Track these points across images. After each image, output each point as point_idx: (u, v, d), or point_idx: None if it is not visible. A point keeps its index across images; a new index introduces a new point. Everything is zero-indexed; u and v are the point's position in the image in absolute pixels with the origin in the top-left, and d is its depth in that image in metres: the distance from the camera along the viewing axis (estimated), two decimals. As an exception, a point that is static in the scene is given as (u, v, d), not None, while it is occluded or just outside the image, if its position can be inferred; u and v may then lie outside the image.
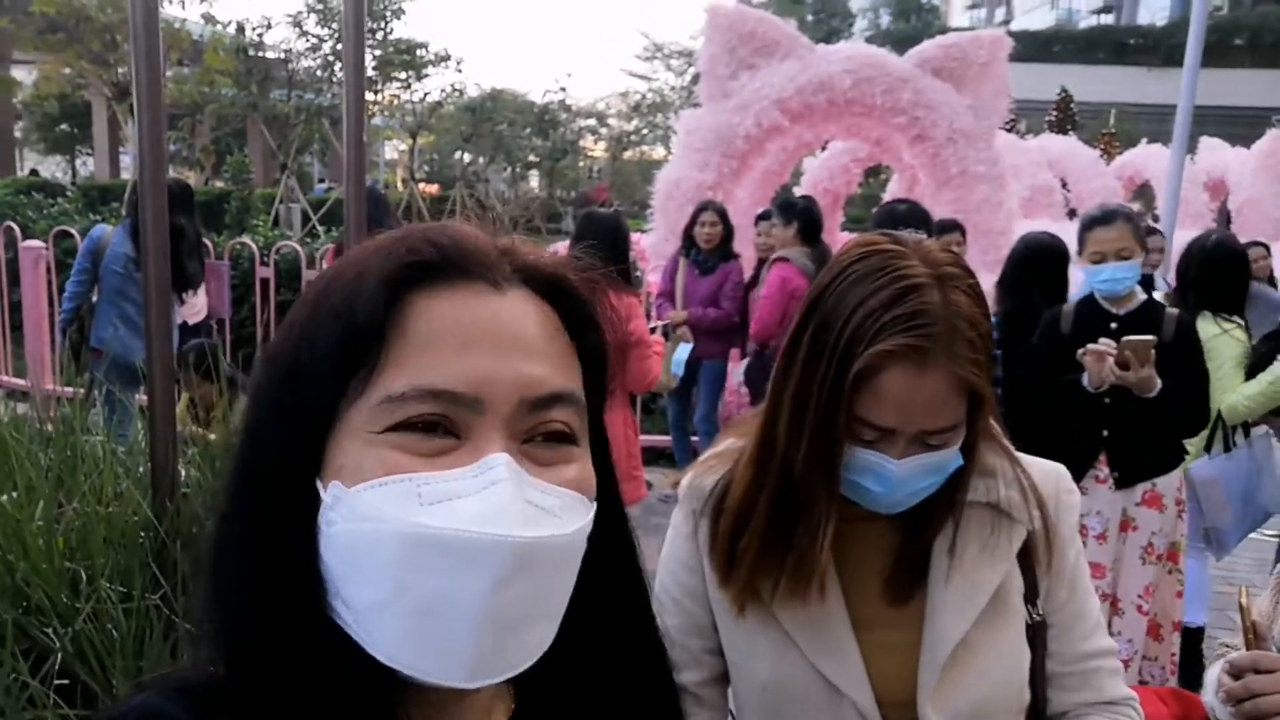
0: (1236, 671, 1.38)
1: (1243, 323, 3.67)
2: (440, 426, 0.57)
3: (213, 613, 0.61)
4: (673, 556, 1.19)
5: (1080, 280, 3.53)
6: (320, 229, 15.52)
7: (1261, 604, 1.52)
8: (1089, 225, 3.19)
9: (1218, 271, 3.67)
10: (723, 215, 5.85)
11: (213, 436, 2.63)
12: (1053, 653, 1.15)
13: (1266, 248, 6.35)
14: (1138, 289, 3.17)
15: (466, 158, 33.10)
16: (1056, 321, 3.30)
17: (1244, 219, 14.60)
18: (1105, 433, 3.09)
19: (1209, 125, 18.45)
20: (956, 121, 8.07)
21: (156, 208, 2.15)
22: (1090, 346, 2.90)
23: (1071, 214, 14.15)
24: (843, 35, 35.72)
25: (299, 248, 7.70)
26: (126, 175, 22.95)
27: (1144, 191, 16.57)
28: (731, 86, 8.33)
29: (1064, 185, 14.91)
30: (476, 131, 30.25)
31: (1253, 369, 3.56)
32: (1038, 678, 1.14)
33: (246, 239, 7.98)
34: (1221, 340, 3.54)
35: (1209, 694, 1.47)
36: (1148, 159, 16.88)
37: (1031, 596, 1.14)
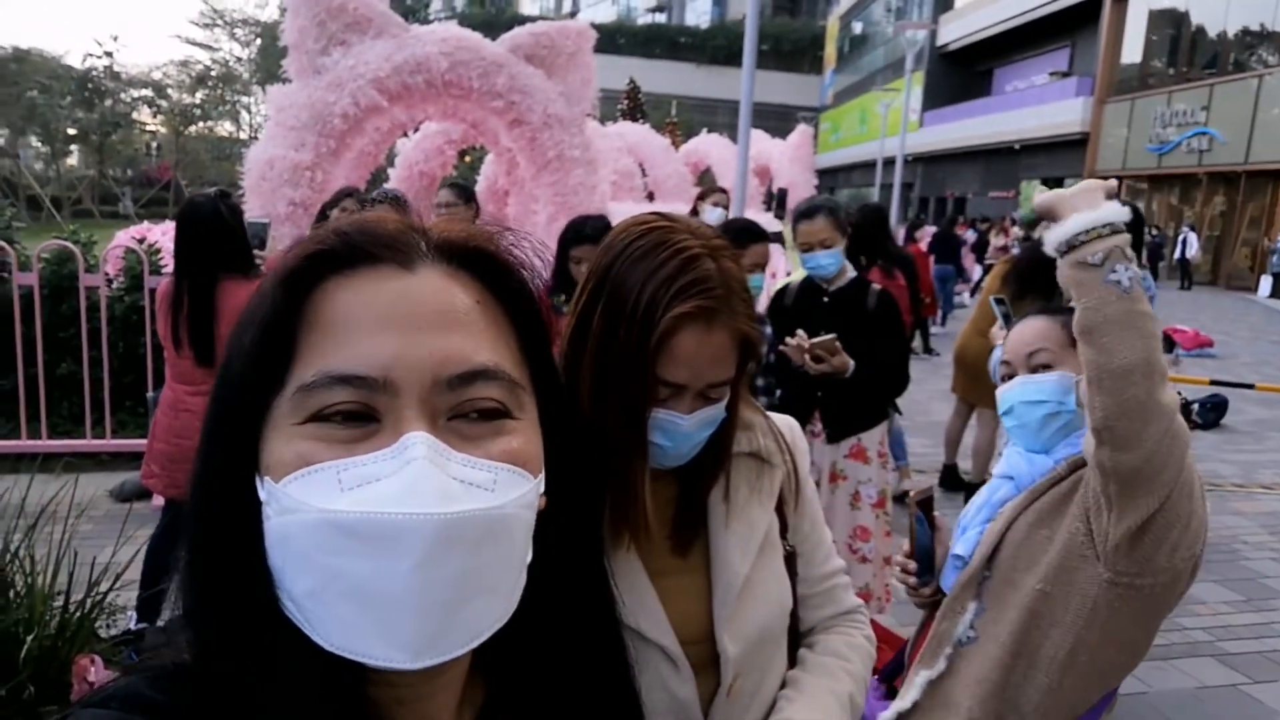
0: (901, 563, 1.90)
1: None
2: (357, 414, 0.57)
3: (182, 604, 0.60)
4: None
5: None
6: None
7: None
8: (797, 219, 3.64)
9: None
10: (466, 194, 5.36)
11: None
12: (802, 577, 1.34)
13: None
14: (848, 267, 3.64)
15: (-14, 129, 28.05)
16: (783, 295, 3.76)
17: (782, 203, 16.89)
18: (819, 394, 3.50)
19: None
20: (550, 107, 8.42)
21: None
22: (787, 341, 3.34)
23: (650, 197, 15.44)
24: (420, 15, 35.36)
25: None
26: None
27: (706, 176, 18.53)
28: (323, 63, 7.95)
29: (642, 170, 16.20)
30: (-1, 99, 25.79)
31: None
32: (793, 601, 1.31)
33: None
34: None
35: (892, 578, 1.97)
36: (709, 147, 18.94)
37: (784, 531, 1.31)
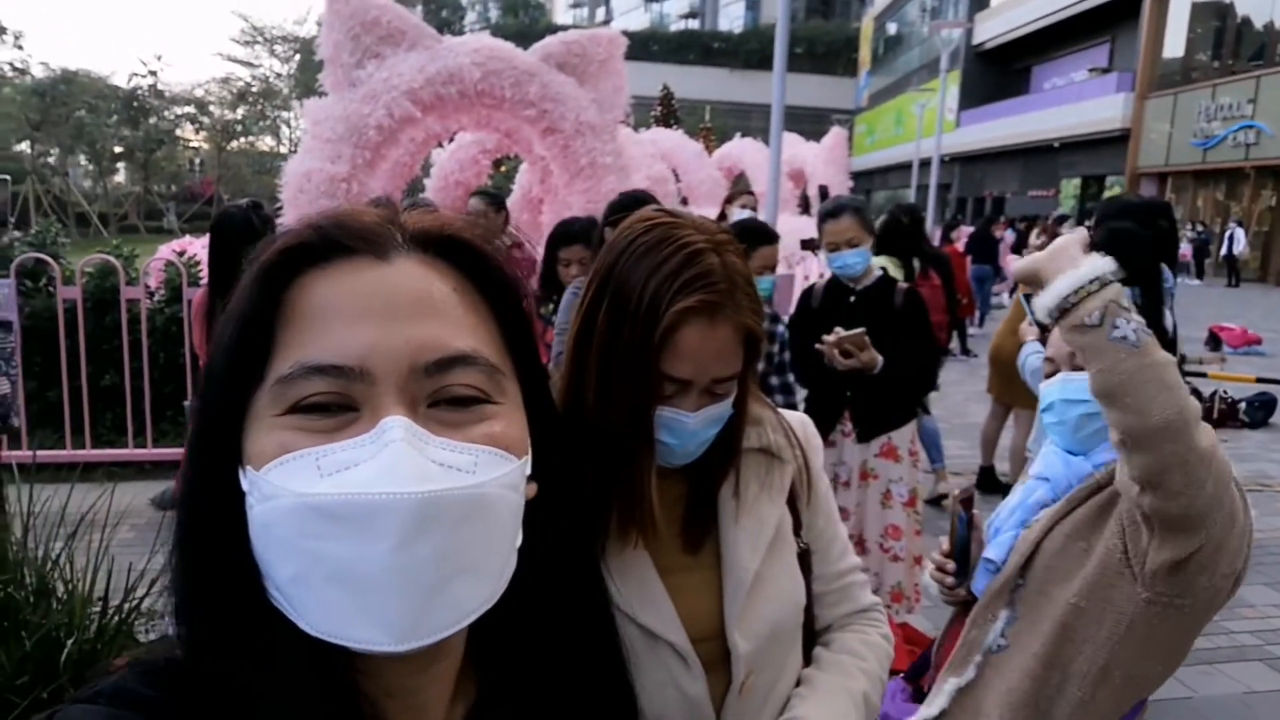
0: (940, 563, 1.83)
1: None
2: (336, 405, 0.58)
3: (171, 598, 0.61)
4: None
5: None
6: None
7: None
8: (823, 218, 3.63)
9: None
10: (496, 202, 5.56)
11: None
12: (817, 575, 1.32)
13: None
14: (874, 266, 3.62)
15: (35, 148, 28.77)
16: (809, 296, 3.75)
17: (818, 203, 16.80)
18: (848, 393, 3.49)
19: (784, 122, 21.05)
20: (583, 115, 8.46)
21: None
22: (824, 340, 3.33)
23: (684, 202, 15.44)
24: (454, 27, 35.74)
25: None
26: None
27: (740, 180, 18.48)
28: (358, 75, 8.07)
29: (676, 175, 16.21)
30: (48, 118, 26.40)
31: None
32: (808, 598, 1.29)
33: None
34: None
35: (925, 576, 1.91)
36: (743, 151, 18.88)
37: (797, 528, 1.29)
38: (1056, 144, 33.75)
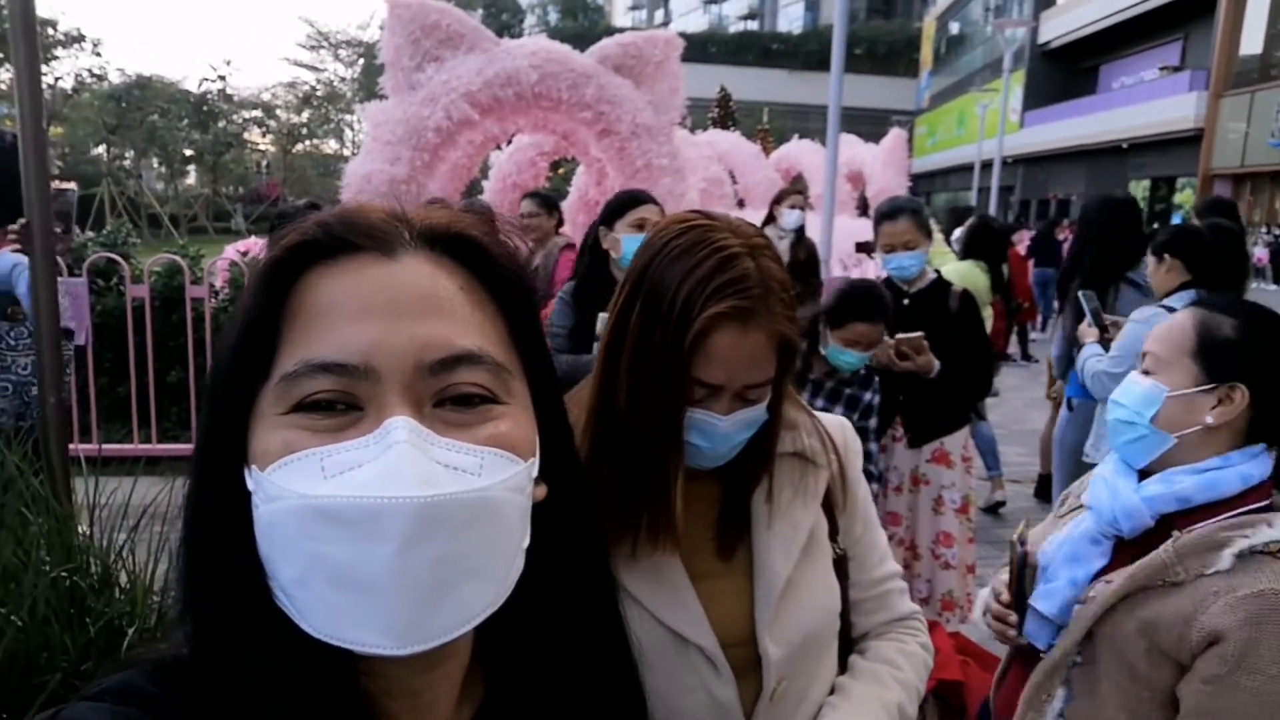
0: (995, 595, 1.70)
1: None
2: (340, 403, 0.57)
3: (178, 597, 0.61)
4: None
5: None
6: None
7: (1036, 531, 1.77)
8: (879, 220, 3.59)
9: None
10: (549, 204, 5.53)
11: None
12: (854, 581, 1.31)
13: None
14: (929, 269, 3.58)
15: (110, 151, 29.73)
16: None
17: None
18: (900, 397, 3.43)
19: (842, 123, 20.83)
20: (639, 116, 8.47)
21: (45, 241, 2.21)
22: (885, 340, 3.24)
23: (740, 204, 15.38)
24: (514, 31, 36.07)
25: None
26: None
27: (798, 181, 18.35)
28: (417, 78, 8.18)
29: (732, 177, 16.15)
30: (123, 122, 27.28)
31: None
32: (843, 605, 1.28)
33: None
34: None
35: (977, 610, 1.77)
36: (800, 152, 18.74)
37: (833, 534, 1.28)
38: (1125, 145, 32.88)
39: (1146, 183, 32.35)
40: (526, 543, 0.62)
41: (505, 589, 0.60)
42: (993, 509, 5.55)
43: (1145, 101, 31.62)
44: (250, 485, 0.58)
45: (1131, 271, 3.99)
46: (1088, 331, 3.71)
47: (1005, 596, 1.69)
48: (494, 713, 0.69)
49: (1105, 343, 3.57)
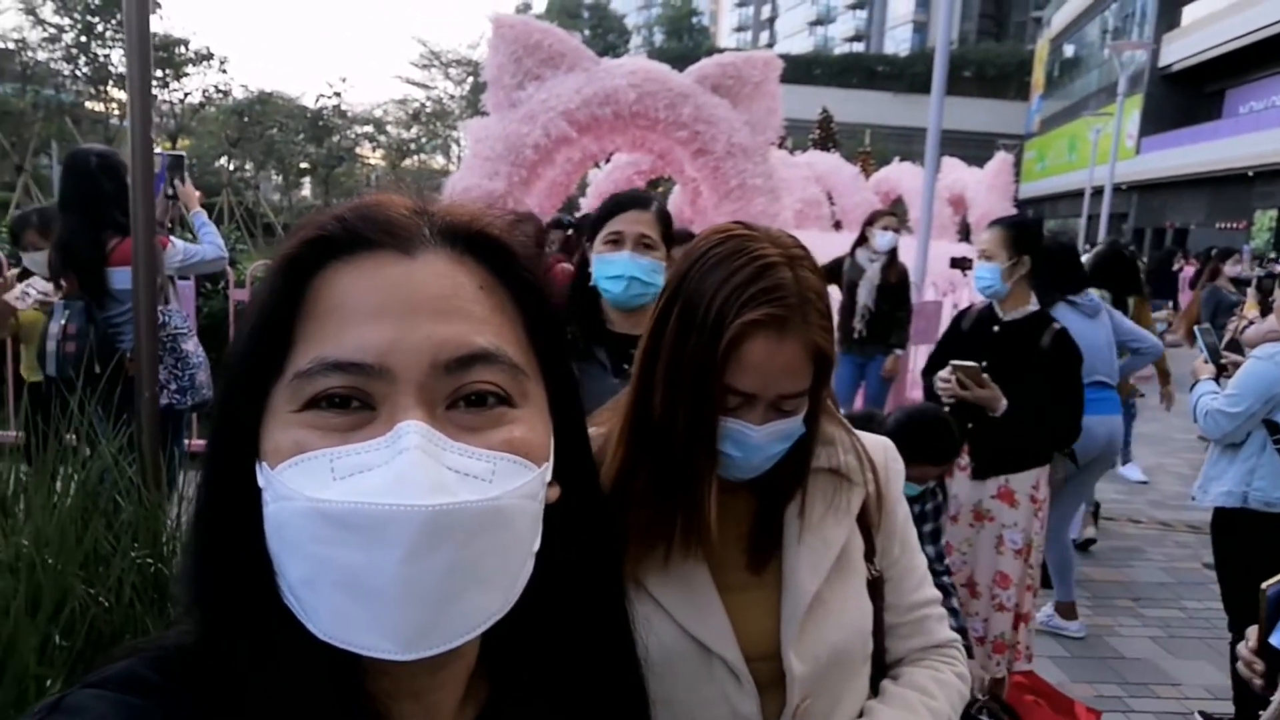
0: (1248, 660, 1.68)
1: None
2: (353, 400, 0.56)
3: (186, 589, 0.61)
4: None
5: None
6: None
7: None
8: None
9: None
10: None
11: None
12: (889, 605, 1.27)
13: None
14: (1032, 299, 3.38)
15: (232, 163, 31.23)
16: (962, 317, 3.60)
17: (981, 231, 16.19)
18: (969, 425, 3.23)
19: (946, 146, 20.34)
20: (735, 136, 8.49)
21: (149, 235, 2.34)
22: (953, 364, 3.14)
23: (837, 225, 15.21)
24: (619, 51, 36.55)
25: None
26: None
27: (897, 205, 18.06)
28: (518, 96, 8.37)
29: (830, 199, 15.99)
30: (245, 136, 28.67)
31: None
32: (878, 629, 1.24)
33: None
34: None
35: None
36: (900, 175, 18.48)
37: (869, 554, 1.25)
38: (1251, 173, 31.32)
39: (1274, 212, 30.72)
40: (537, 546, 0.61)
41: (513, 595, 0.59)
42: (1084, 546, 5.32)
43: (1275, 127, 30.09)
44: (261, 481, 0.57)
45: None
46: (1203, 368, 3.53)
47: (1253, 643, 1.67)
48: (498, 713, 0.68)
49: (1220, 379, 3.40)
